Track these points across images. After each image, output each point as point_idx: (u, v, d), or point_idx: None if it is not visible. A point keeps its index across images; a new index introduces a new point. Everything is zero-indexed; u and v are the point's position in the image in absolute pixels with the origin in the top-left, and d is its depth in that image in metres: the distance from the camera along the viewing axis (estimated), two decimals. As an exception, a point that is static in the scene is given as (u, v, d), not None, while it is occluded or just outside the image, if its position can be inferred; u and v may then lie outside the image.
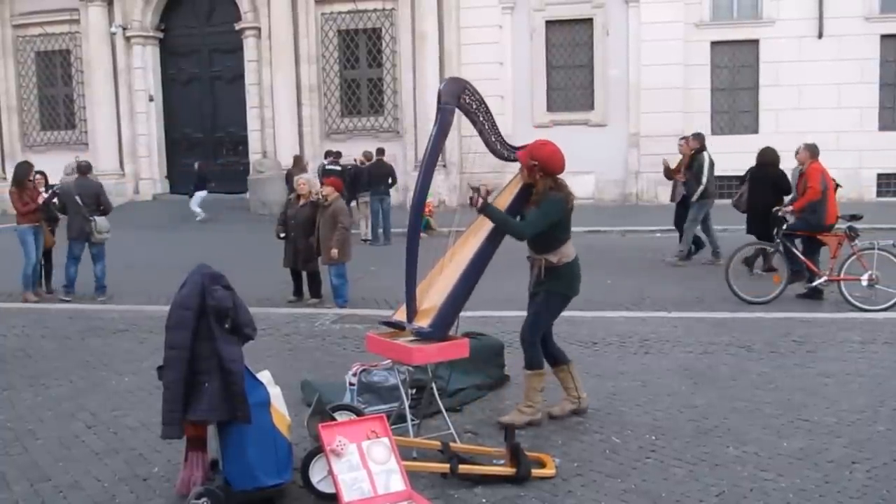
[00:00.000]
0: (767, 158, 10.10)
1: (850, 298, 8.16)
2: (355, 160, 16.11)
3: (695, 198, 11.04)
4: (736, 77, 19.24)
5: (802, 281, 8.77)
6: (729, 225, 14.85)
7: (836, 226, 8.78)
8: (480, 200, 4.44)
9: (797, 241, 8.85)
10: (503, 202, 4.71)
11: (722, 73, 19.24)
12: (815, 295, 8.69)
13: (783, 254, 8.69)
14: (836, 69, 18.34)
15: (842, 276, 8.34)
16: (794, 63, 18.55)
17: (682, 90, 18.69)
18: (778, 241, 8.73)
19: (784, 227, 8.71)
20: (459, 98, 4.40)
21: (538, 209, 4.50)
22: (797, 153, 9.36)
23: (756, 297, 8.50)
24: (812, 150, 9.02)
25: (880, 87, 18.65)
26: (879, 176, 18.87)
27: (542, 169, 4.49)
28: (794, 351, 6.32)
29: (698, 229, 11.30)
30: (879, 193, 18.87)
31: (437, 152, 4.40)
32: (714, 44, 19.03)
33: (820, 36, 18.52)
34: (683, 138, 11.98)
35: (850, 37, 18.35)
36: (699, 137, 11.59)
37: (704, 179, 10.94)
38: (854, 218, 8.58)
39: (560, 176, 4.60)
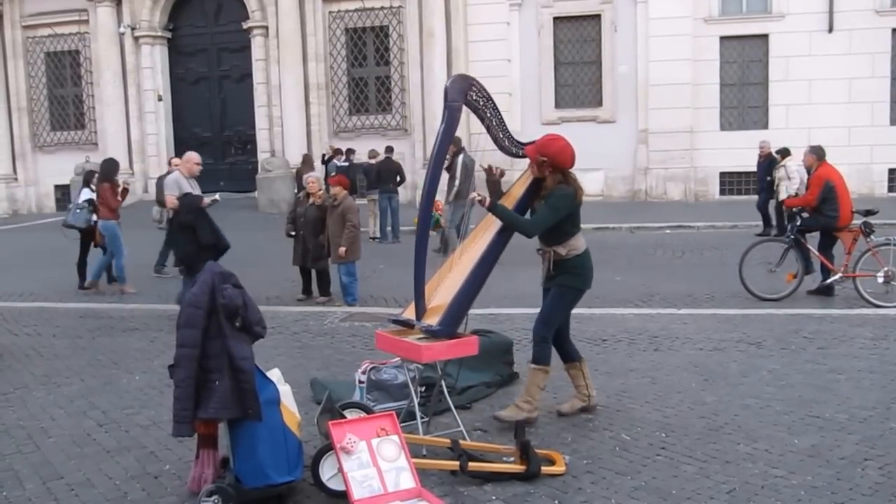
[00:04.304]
0: None
1: (865, 295, 8.10)
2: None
3: (449, 198, 11.96)
4: (745, 72, 19.12)
5: (812, 273, 8.71)
6: (739, 221, 14.79)
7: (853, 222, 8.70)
8: (488, 200, 4.45)
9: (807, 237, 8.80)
10: (515, 195, 4.70)
11: (731, 69, 19.13)
12: (826, 291, 8.63)
13: (796, 249, 8.64)
14: (846, 63, 18.22)
15: (857, 272, 8.28)
16: (804, 58, 18.42)
17: (691, 86, 18.61)
18: (791, 236, 8.68)
19: (798, 223, 8.66)
20: (466, 95, 4.35)
21: (546, 204, 4.47)
22: (804, 156, 9.24)
23: (769, 293, 8.46)
24: (818, 153, 8.86)
25: (891, 81, 18.50)
26: (891, 171, 18.72)
27: (552, 165, 4.46)
28: (805, 347, 6.28)
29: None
30: (891, 189, 18.73)
31: (444, 151, 4.35)
32: (723, 39, 18.92)
33: (830, 30, 18.37)
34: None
35: (861, 31, 18.22)
36: (455, 142, 11.94)
37: (457, 182, 11.79)
38: (869, 213, 8.50)
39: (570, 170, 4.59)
